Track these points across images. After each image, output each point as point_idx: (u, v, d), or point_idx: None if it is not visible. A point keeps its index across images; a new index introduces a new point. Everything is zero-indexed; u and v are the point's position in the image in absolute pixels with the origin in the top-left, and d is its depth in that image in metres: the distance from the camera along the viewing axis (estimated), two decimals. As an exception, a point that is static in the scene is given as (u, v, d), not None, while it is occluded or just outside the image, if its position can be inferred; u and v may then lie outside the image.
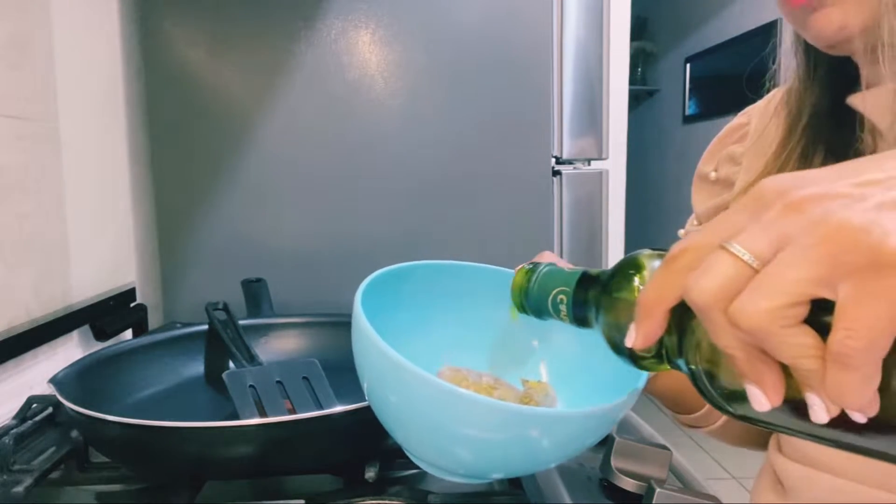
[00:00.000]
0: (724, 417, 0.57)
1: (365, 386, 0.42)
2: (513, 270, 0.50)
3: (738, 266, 0.24)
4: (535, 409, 0.38)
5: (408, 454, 0.44)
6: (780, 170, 0.51)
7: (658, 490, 0.46)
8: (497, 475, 0.44)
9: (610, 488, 0.52)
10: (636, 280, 0.33)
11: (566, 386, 0.51)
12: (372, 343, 0.38)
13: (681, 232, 0.63)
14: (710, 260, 0.25)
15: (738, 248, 0.24)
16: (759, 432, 0.57)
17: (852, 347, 0.21)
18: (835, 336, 0.22)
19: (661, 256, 0.33)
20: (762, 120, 0.59)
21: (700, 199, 0.63)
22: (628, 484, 0.50)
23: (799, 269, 0.22)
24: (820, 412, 0.24)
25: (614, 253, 1.48)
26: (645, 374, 0.41)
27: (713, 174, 0.60)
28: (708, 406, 0.56)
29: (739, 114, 0.64)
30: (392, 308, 0.47)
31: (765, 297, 0.23)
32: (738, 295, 0.24)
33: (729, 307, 0.24)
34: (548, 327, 0.45)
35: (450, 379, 0.47)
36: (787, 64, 0.54)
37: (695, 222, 0.63)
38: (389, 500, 0.49)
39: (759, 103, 0.63)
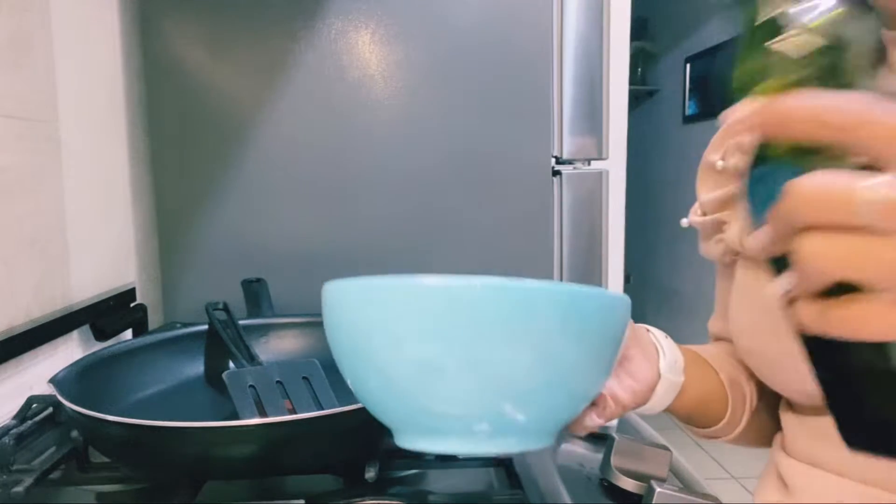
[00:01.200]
0: (742, 426, 0.57)
1: (341, 359, 0.39)
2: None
3: None
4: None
5: (401, 441, 0.38)
6: None
7: (658, 490, 0.46)
8: (508, 405, 0.35)
9: (610, 488, 0.52)
10: None
11: None
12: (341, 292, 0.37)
13: (684, 221, 0.62)
14: None
15: None
16: (773, 434, 0.56)
17: None
18: None
19: None
20: None
21: (705, 187, 0.60)
22: (628, 484, 0.50)
23: None
24: None
25: (614, 253, 1.48)
26: (620, 296, 0.37)
27: (720, 163, 0.57)
28: (727, 417, 0.55)
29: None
30: None
31: None
32: None
33: None
34: None
35: None
36: None
37: (699, 211, 0.61)
38: (389, 500, 0.49)
39: None
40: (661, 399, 0.49)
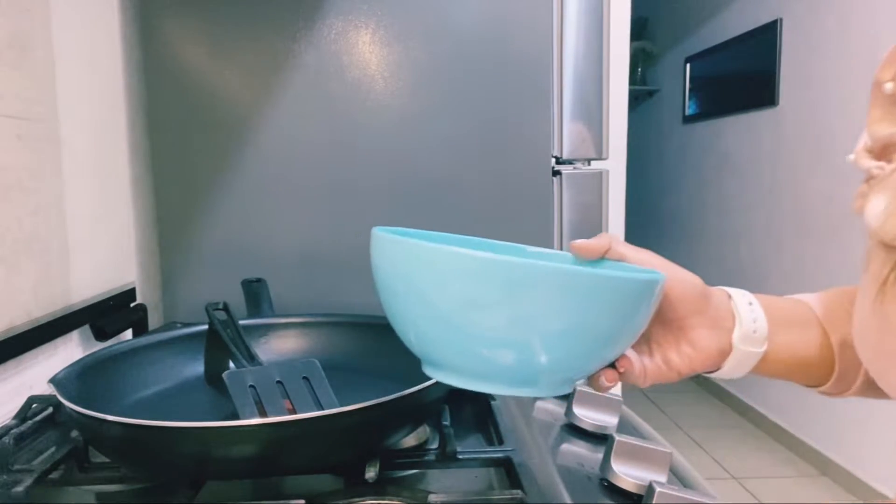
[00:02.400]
0: (854, 388, 0.52)
1: (389, 295, 0.43)
2: (517, 245, 0.53)
3: None
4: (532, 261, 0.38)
5: (429, 368, 0.44)
6: None
7: (658, 490, 0.46)
8: (537, 355, 0.40)
9: (610, 488, 0.52)
10: None
11: None
12: (390, 242, 0.41)
13: (850, 157, 0.48)
14: None
15: None
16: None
17: None
18: None
19: None
20: None
21: (876, 113, 0.46)
22: (628, 484, 0.50)
23: None
24: None
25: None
26: (662, 275, 0.42)
27: (889, 86, 0.44)
28: (832, 381, 0.51)
29: None
30: None
31: None
32: None
33: None
34: None
35: None
36: None
37: (868, 142, 0.46)
38: (389, 500, 0.49)
39: None
40: (736, 367, 0.49)
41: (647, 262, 0.46)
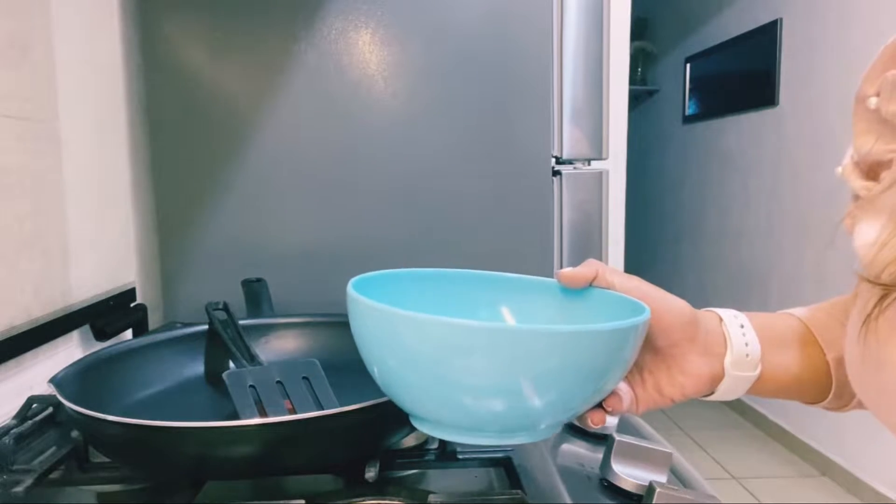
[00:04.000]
0: (853, 404, 0.50)
1: (367, 354, 0.43)
2: (500, 273, 0.51)
3: None
4: (522, 326, 0.39)
5: (417, 421, 0.44)
6: None
7: (658, 490, 0.46)
8: (495, 427, 0.42)
9: (610, 488, 0.52)
10: None
11: None
12: (369, 308, 0.40)
13: (838, 170, 0.47)
14: None
15: None
16: None
17: None
18: None
19: None
20: None
21: (860, 127, 0.44)
22: (628, 484, 0.50)
23: None
24: None
25: (614, 253, 1.48)
26: (644, 315, 0.41)
27: (873, 101, 0.42)
28: (830, 398, 0.50)
29: None
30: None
31: None
32: None
33: None
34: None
35: None
36: None
37: (854, 157, 0.44)
38: (389, 500, 0.49)
39: None
40: (729, 391, 0.48)
41: (634, 289, 0.45)
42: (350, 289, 0.43)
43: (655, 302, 0.43)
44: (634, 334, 0.40)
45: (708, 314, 0.47)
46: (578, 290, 0.47)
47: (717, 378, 0.46)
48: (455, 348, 0.37)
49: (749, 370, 0.47)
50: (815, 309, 0.52)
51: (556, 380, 0.38)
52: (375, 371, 0.42)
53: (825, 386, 0.50)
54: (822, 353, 0.49)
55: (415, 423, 0.44)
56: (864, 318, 0.36)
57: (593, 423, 0.44)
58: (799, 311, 0.52)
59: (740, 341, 0.47)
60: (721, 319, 0.47)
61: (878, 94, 0.41)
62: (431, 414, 0.42)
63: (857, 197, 0.42)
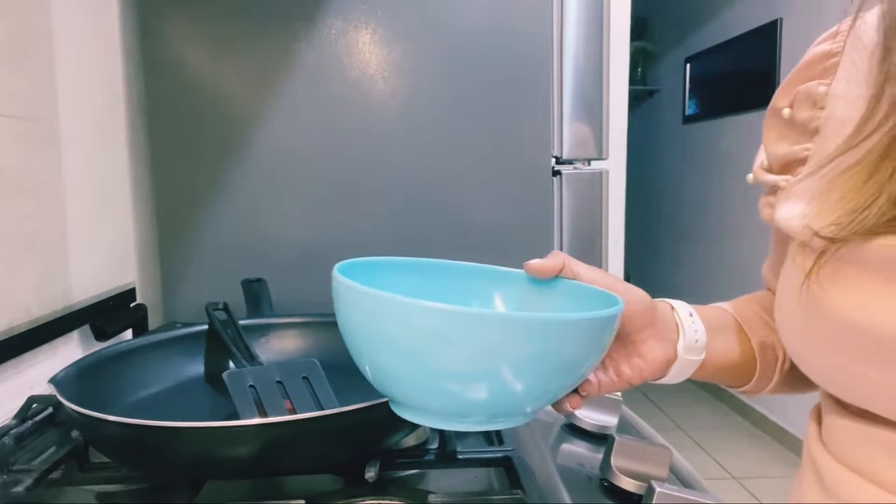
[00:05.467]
0: (771, 387, 0.57)
1: (353, 347, 0.43)
2: (494, 266, 0.52)
3: None
4: (502, 312, 0.39)
5: (403, 410, 0.44)
6: (882, 122, 0.39)
7: (658, 490, 0.46)
8: (476, 413, 0.42)
9: (610, 488, 0.52)
10: None
11: None
12: (352, 290, 0.40)
13: (749, 178, 0.55)
14: None
15: None
16: (809, 384, 0.54)
17: None
18: None
19: None
20: (860, 51, 0.46)
21: (771, 136, 0.52)
22: (628, 484, 0.50)
23: None
24: None
25: (614, 253, 1.48)
26: (619, 305, 0.42)
27: (786, 111, 0.50)
28: (754, 381, 0.56)
29: (824, 37, 0.51)
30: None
31: None
32: None
33: None
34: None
35: None
36: None
37: (765, 162, 0.53)
38: (389, 500, 0.49)
39: (865, 21, 0.48)
40: (678, 374, 0.51)
41: (598, 280, 0.47)
42: (335, 271, 0.43)
43: (619, 292, 0.46)
44: (613, 323, 0.42)
45: (661, 303, 0.51)
46: (546, 281, 0.49)
47: (671, 362, 0.50)
48: (439, 333, 0.37)
49: (697, 355, 0.51)
50: (736, 302, 0.58)
51: (540, 366, 0.39)
52: (364, 364, 0.42)
53: (751, 369, 0.55)
54: (748, 338, 0.55)
55: (400, 412, 0.44)
56: (805, 276, 0.41)
57: (571, 407, 0.47)
58: (724, 305, 0.58)
59: (691, 328, 0.51)
60: (672, 308, 0.51)
61: (790, 106, 0.50)
62: (417, 402, 0.42)
63: (773, 191, 0.50)
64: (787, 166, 0.49)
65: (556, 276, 0.48)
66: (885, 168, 0.38)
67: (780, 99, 0.51)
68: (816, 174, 0.43)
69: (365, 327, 0.41)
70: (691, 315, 0.51)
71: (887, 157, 0.39)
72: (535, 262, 0.49)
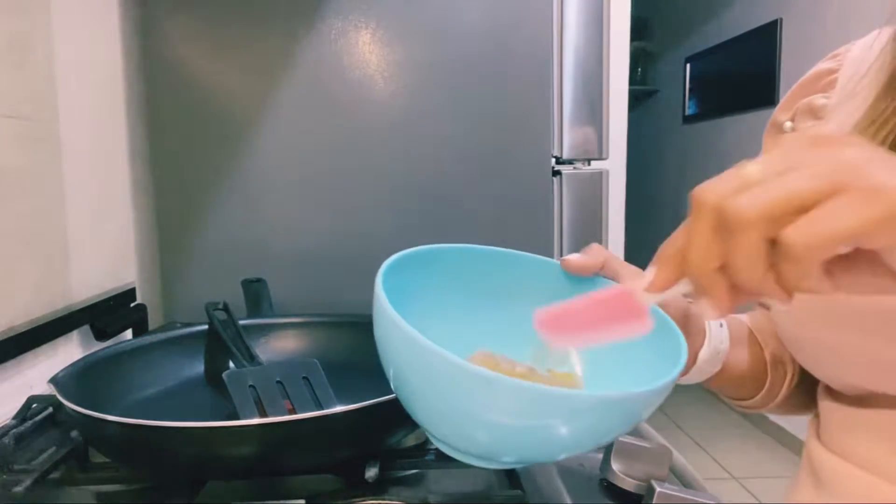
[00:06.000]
0: (777, 401, 0.56)
1: (391, 371, 0.41)
2: (553, 260, 0.49)
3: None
4: (548, 388, 0.35)
5: (427, 434, 0.43)
6: (878, 130, 0.43)
7: (658, 490, 0.46)
8: (509, 459, 0.42)
9: (610, 488, 0.52)
10: None
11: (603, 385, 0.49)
12: (390, 321, 0.37)
13: None
14: None
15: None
16: (813, 406, 0.54)
17: None
18: None
19: None
20: (857, 68, 0.49)
21: (770, 148, 0.55)
22: (628, 484, 0.50)
23: None
24: None
25: (614, 253, 1.48)
26: (678, 368, 0.39)
27: (788, 125, 0.52)
28: (762, 394, 0.55)
29: (827, 56, 0.54)
30: (418, 291, 0.45)
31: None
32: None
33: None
34: None
35: (480, 363, 0.44)
36: None
37: None
38: (389, 500, 0.49)
39: (857, 45, 0.52)
40: (690, 378, 0.51)
41: None
42: (379, 289, 0.39)
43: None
44: (667, 391, 0.39)
45: (694, 308, 0.49)
46: (584, 278, 0.46)
47: (688, 370, 0.49)
48: (491, 400, 0.35)
49: (715, 365, 0.51)
50: (753, 313, 0.57)
51: (594, 433, 0.38)
52: (393, 381, 0.41)
53: (760, 382, 0.55)
54: (762, 350, 0.54)
55: (428, 436, 0.43)
56: None
57: None
58: (741, 315, 0.57)
59: (718, 336, 0.50)
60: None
61: (792, 119, 0.52)
62: (447, 438, 0.41)
63: None
64: None
65: (596, 274, 0.46)
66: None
67: (781, 114, 0.53)
68: None
69: (405, 364, 0.39)
70: (721, 325, 0.50)
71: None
72: (573, 258, 0.46)
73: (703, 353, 0.49)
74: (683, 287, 0.32)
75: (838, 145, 0.27)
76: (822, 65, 0.53)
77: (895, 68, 0.44)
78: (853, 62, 0.50)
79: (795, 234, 0.25)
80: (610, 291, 0.38)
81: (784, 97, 0.54)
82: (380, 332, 0.40)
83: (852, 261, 0.28)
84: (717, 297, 0.29)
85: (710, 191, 0.28)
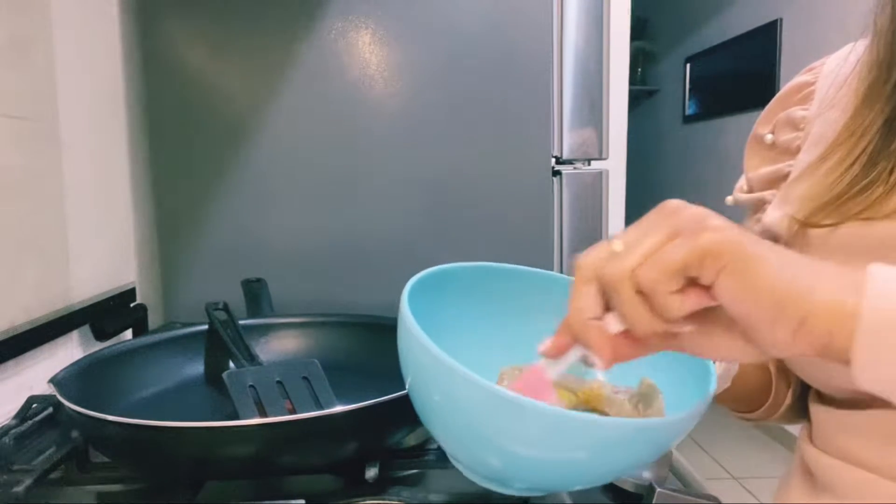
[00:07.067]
0: (779, 413, 0.57)
1: (408, 382, 0.41)
2: (565, 276, 0.49)
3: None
4: (581, 414, 0.36)
5: (445, 450, 0.43)
6: (858, 141, 0.44)
7: (658, 490, 0.46)
8: (524, 486, 0.41)
9: (610, 488, 0.52)
10: None
11: None
12: (417, 341, 0.37)
13: (728, 199, 0.59)
14: None
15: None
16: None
17: None
18: None
19: None
20: (834, 79, 0.51)
21: (752, 163, 0.57)
22: (628, 484, 0.50)
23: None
24: None
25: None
26: (710, 391, 0.40)
27: (769, 137, 0.54)
28: (766, 406, 0.56)
29: (804, 70, 0.55)
30: (441, 308, 0.45)
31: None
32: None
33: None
34: None
35: (508, 377, 0.45)
36: (878, 4, 0.46)
37: (744, 188, 0.57)
38: (389, 500, 0.49)
39: (831, 59, 0.53)
40: None
41: None
42: (405, 309, 0.39)
43: None
44: (697, 419, 0.39)
45: None
46: None
47: None
48: (518, 426, 0.35)
49: (725, 382, 0.52)
50: None
51: (618, 463, 0.38)
52: (411, 391, 0.41)
53: (764, 395, 0.56)
54: (767, 362, 0.55)
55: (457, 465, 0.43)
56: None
57: None
58: None
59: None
60: None
61: (772, 132, 0.54)
62: (463, 459, 0.41)
63: (758, 209, 0.54)
64: (772, 183, 0.54)
65: None
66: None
67: (761, 127, 0.56)
68: (804, 174, 0.47)
69: (431, 384, 0.39)
70: None
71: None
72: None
73: (717, 370, 0.48)
74: (578, 352, 0.36)
75: (681, 209, 0.34)
76: (799, 78, 0.55)
77: (873, 80, 0.45)
78: (829, 75, 0.52)
79: (641, 271, 0.32)
80: (531, 368, 0.39)
81: (762, 112, 0.57)
82: (409, 354, 0.40)
83: (716, 316, 0.34)
84: (596, 346, 0.34)
85: (588, 259, 0.34)
